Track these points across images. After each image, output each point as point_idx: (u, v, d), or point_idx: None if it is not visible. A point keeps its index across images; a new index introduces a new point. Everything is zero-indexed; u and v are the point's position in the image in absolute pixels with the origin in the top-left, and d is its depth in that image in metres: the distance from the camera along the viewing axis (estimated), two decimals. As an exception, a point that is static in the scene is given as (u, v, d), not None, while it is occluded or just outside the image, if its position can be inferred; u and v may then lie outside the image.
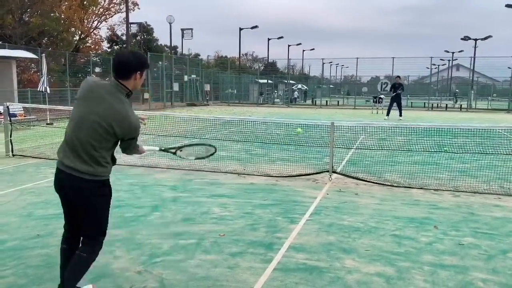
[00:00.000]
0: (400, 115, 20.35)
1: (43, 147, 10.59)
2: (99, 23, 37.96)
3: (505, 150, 9.97)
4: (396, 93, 20.41)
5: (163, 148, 3.81)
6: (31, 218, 5.20)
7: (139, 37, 40.00)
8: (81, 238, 3.10)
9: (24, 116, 15.74)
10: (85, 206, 2.98)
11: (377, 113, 24.47)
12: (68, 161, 2.91)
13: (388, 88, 22.19)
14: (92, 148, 2.90)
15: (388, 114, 20.90)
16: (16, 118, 14.44)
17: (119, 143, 3.08)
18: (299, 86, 45.31)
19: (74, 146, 2.91)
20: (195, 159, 4.07)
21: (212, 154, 4.01)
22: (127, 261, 3.98)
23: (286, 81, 41.84)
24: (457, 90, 42.15)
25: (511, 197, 6.44)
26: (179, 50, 44.44)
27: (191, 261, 3.99)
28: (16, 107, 14.91)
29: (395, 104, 20.74)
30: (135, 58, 2.99)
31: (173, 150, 3.82)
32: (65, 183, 2.95)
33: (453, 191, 6.77)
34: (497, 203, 6.11)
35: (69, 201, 3.04)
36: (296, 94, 42.48)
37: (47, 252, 4.16)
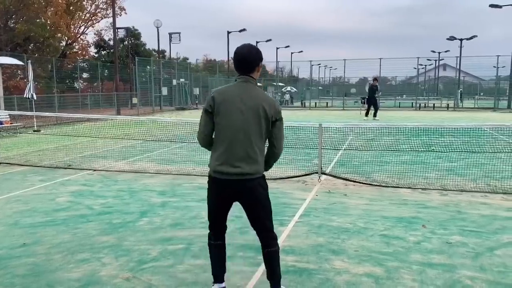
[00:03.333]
0: (375, 115, 20.77)
1: (30, 154, 10.48)
2: (86, 29, 37.73)
3: (491, 148, 10.10)
4: (373, 96, 20.83)
5: None
6: (17, 226, 5.13)
7: (126, 42, 39.77)
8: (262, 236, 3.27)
9: (11, 123, 15.56)
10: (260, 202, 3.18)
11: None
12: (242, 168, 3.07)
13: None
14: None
15: (366, 114, 21.28)
16: (2, 125, 14.25)
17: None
18: (288, 88, 45.40)
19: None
20: None
21: None
22: (115, 267, 3.95)
23: (275, 84, 41.92)
24: (461, 90, 42.49)
25: (498, 195, 6.52)
26: (167, 54, 44.32)
27: (180, 266, 3.97)
28: (2, 114, 14.74)
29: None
30: (257, 51, 3.13)
31: None
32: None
33: (441, 190, 6.83)
34: (484, 201, 6.18)
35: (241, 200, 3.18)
36: (287, 96, 42.51)
37: (33, 260, 4.11)
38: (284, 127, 3.21)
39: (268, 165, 3.28)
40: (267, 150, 3.20)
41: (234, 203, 3.22)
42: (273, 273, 3.24)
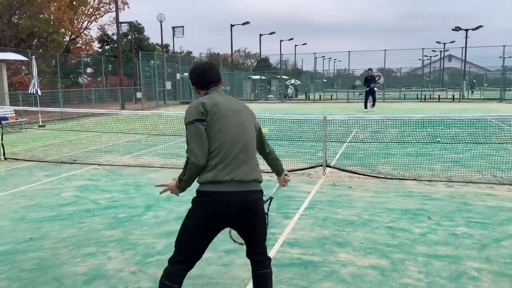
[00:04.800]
0: (373, 106, 20.69)
1: (35, 149, 10.53)
2: (89, 24, 37.69)
3: (497, 139, 10.03)
4: (369, 87, 20.66)
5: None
6: (23, 221, 5.17)
7: (130, 36, 39.76)
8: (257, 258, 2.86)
9: (16, 119, 15.63)
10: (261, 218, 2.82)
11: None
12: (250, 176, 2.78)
13: (381, 80, 22.37)
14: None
15: (365, 107, 21.14)
16: (8, 121, 14.32)
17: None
18: (293, 81, 45.26)
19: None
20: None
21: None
22: (121, 261, 3.97)
23: (279, 77, 41.80)
24: (474, 81, 42.20)
25: (504, 186, 6.48)
26: (170, 48, 44.30)
27: (186, 260, 3.97)
28: (7, 110, 14.80)
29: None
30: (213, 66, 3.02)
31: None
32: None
33: (447, 181, 6.80)
34: (490, 192, 6.14)
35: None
36: (290, 90, 42.36)
37: (40, 255, 4.14)
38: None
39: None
40: (270, 155, 3.26)
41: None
42: None
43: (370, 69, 22.48)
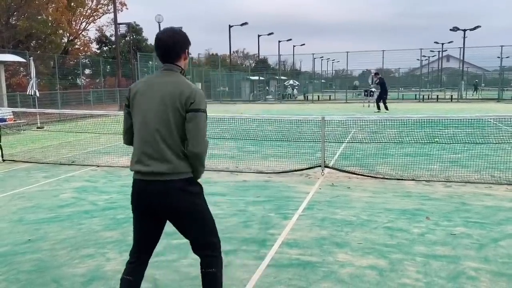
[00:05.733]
0: (379, 108, 20.78)
1: (33, 151, 10.51)
2: (87, 25, 37.64)
3: (496, 139, 10.05)
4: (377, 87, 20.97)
5: None
6: (22, 223, 5.16)
7: (128, 38, 39.73)
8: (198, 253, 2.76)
9: (14, 120, 15.60)
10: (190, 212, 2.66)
11: (368, 106, 24.53)
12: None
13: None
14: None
15: (378, 108, 21.19)
16: (6, 122, 14.30)
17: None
18: (291, 82, 45.28)
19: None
20: None
21: None
22: (120, 263, 3.96)
23: (277, 77, 41.81)
24: (476, 81, 42.26)
25: (502, 186, 6.49)
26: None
27: (184, 261, 3.98)
28: (5, 111, 14.77)
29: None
30: (180, 35, 2.68)
31: None
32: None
33: (445, 181, 6.81)
34: (488, 192, 6.16)
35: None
36: (289, 90, 42.38)
37: (38, 256, 4.13)
38: (206, 123, 2.60)
39: (193, 168, 2.64)
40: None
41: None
42: None
43: (376, 73, 22.72)
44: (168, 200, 2.57)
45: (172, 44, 2.63)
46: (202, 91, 2.64)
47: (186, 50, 2.70)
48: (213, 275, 2.71)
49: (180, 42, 2.66)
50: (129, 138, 2.76)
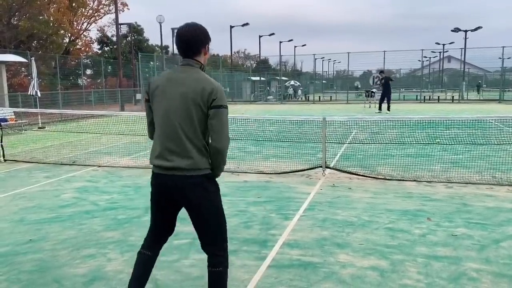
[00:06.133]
0: (380, 109, 20.76)
1: (35, 151, 10.53)
2: (89, 25, 37.76)
3: (497, 140, 10.03)
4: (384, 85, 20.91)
5: None
6: (23, 223, 5.17)
7: (129, 38, 39.77)
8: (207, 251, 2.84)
9: (15, 120, 15.62)
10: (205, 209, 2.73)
11: (369, 107, 24.53)
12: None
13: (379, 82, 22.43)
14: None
15: (380, 109, 21.19)
16: (7, 123, 14.32)
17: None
18: (292, 82, 45.29)
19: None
20: None
21: None
22: (121, 263, 3.97)
23: (278, 78, 41.82)
24: (480, 82, 42.21)
25: (503, 187, 6.49)
26: (170, 49, 44.27)
27: (185, 261, 3.98)
28: (7, 111, 14.80)
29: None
30: (201, 30, 2.70)
31: None
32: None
33: (446, 182, 6.81)
34: (489, 193, 6.15)
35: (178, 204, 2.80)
36: (290, 90, 42.39)
37: (40, 257, 4.14)
38: (228, 119, 2.67)
39: (214, 165, 2.70)
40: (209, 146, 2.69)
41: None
42: None
43: (381, 71, 22.67)
44: (186, 195, 2.64)
45: (193, 39, 2.65)
46: (222, 87, 2.67)
47: (207, 46, 2.73)
48: (219, 274, 2.78)
49: (201, 37, 2.68)
50: (152, 132, 2.81)
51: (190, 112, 2.56)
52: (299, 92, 40.66)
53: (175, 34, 2.73)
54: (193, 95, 2.55)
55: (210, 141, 2.66)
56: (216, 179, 2.79)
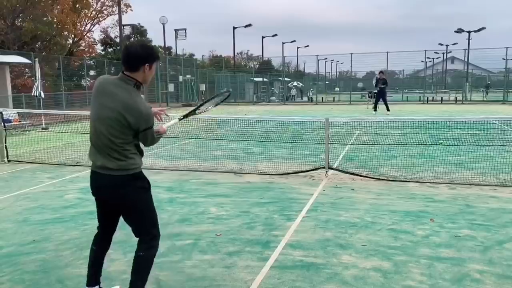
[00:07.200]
0: (388, 109, 20.58)
1: (38, 152, 10.56)
2: (92, 26, 37.84)
3: (501, 141, 10.00)
4: (380, 87, 20.79)
5: (181, 117, 3.57)
6: (27, 223, 5.19)
7: (132, 39, 39.87)
8: (138, 238, 3.11)
9: (19, 121, 15.68)
10: (126, 203, 2.98)
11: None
12: (99, 161, 2.95)
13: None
14: (114, 143, 2.87)
15: (375, 109, 21.13)
16: (11, 123, 14.38)
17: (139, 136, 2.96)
18: (295, 83, 45.29)
19: (99, 146, 2.93)
20: (215, 106, 3.93)
21: (228, 96, 3.97)
22: (124, 263, 3.98)
23: (281, 79, 41.81)
24: (489, 82, 42.04)
25: (507, 188, 6.46)
26: (173, 50, 44.35)
27: (188, 262, 3.98)
28: (11, 112, 14.85)
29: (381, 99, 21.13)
30: (143, 49, 2.90)
31: (192, 112, 3.71)
32: (100, 183, 3.00)
33: (449, 183, 6.79)
34: (493, 194, 6.13)
35: (107, 202, 3.07)
36: (293, 91, 42.41)
37: (43, 257, 4.15)
38: (152, 133, 2.97)
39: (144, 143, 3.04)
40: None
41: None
42: (131, 283, 3.03)
43: (381, 72, 22.61)
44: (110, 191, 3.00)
45: (134, 56, 2.85)
46: (148, 108, 2.91)
47: (149, 64, 2.90)
48: (141, 258, 3.05)
49: (143, 56, 2.87)
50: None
51: (114, 127, 2.83)
52: (310, 93, 40.55)
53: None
54: (119, 114, 2.79)
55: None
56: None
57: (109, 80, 2.93)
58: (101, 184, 2.97)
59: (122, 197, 2.94)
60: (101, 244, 3.26)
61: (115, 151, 2.86)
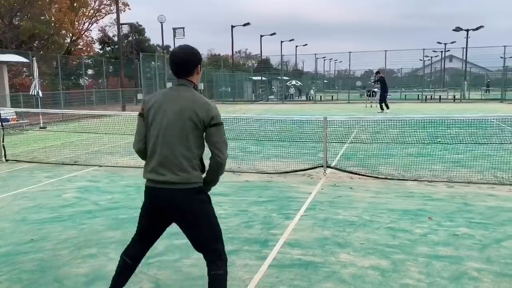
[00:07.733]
0: (382, 108, 20.66)
1: (36, 151, 10.54)
2: (90, 25, 37.85)
3: (498, 139, 10.02)
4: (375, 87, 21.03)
5: None
6: (24, 222, 5.18)
7: (130, 38, 39.81)
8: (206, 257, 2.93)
9: (17, 120, 15.65)
10: (190, 217, 2.80)
11: (371, 106, 24.51)
12: (162, 175, 2.75)
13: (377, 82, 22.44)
14: (182, 153, 2.72)
15: (381, 108, 21.14)
16: (9, 123, 14.34)
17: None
18: (293, 82, 45.29)
19: (165, 157, 2.73)
20: None
21: None
22: (122, 262, 3.96)
23: (280, 78, 41.80)
24: (488, 80, 42.07)
25: (505, 186, 6.47)
26: (171, 49, 44.27)
27: (186, 261, 3.98)
28: (8, 111, 14.82)
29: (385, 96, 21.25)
30: (192, 53, 2.85)
31: None
32: (164, 197, 2.78)
33: (447, 182, 6.80)
34: (490, 193, 6.14)
35: (166, 216, 2.87)
36: (292, 90, 42.43)
37: (41, 256, 4.14)
38: (224, 133, 2.82)
39: (207, 179, 2.88)
40: (209, 161, 2.84)
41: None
42: None
43: (377, 72, 22.65)
44: (177, 206, 2.77)
45: (185, 61, 2.81)
46: (215, 105, 2.82)
47: (199, 66, 2.87)
48: (219, 276, 2.91)
49: (192, 58, 2.83)
50: (140, 145, 2.91)
51: (186, 129, 2.69)
52: (312, 91, 40.49)
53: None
54: (189, 113, 2.68)
55: (211, 156, 2.81)
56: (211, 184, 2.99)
57: (166, 89, 2.92)
58: (165, 199, 2.76)
59: (190, 212, 2.78)
60: (135, 257, 3.12)
61: (182, 161, 2.71)
